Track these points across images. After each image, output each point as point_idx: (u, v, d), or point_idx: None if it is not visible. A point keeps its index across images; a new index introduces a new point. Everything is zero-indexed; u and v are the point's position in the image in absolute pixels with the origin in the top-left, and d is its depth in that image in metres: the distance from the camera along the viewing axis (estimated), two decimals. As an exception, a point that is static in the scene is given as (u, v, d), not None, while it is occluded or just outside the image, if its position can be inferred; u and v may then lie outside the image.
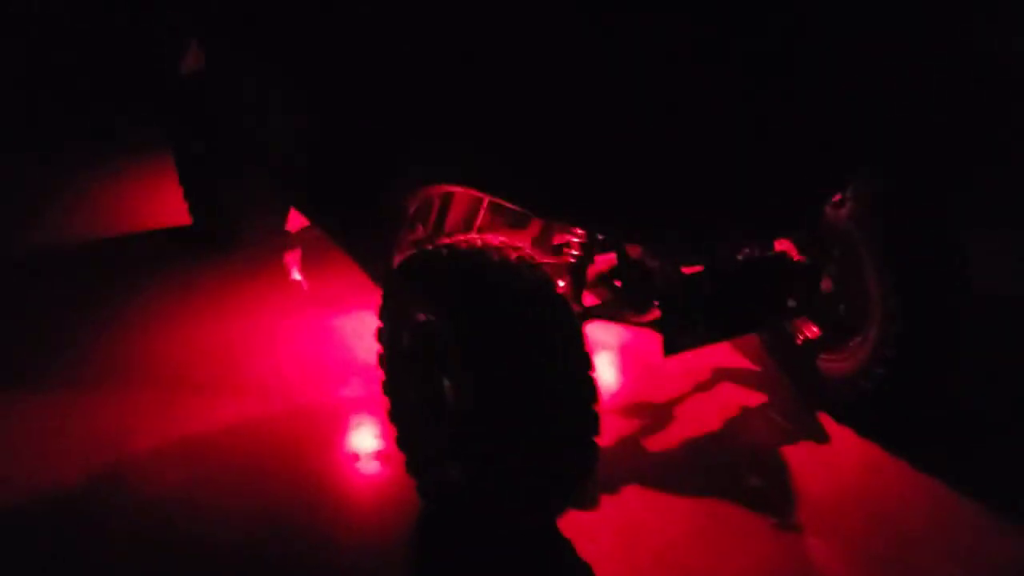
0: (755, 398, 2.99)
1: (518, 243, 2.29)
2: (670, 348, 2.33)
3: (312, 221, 3.39)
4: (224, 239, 4.03)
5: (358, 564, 2.33)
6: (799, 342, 2.98)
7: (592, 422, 2.13)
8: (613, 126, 2.00)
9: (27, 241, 4.31)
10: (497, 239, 2.30)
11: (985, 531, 2.41)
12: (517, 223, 2.78)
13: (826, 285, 2.80)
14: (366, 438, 2.82)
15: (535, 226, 2.76)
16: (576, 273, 2.53)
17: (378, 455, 2.73)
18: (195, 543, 2.39)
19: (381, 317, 2.48)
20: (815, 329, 2.95)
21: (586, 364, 2.11)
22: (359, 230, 2.79)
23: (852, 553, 2.33)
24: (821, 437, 2.81)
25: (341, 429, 2.89)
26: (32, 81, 6.22)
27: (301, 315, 3.55)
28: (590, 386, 2.11)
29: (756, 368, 3.16)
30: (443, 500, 2.42)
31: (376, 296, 2.46)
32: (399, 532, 2.46)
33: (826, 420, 2.87)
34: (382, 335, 2.49)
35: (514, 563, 2.31)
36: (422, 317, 2.30)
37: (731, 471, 2.66)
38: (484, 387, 2.09)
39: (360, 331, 3.41)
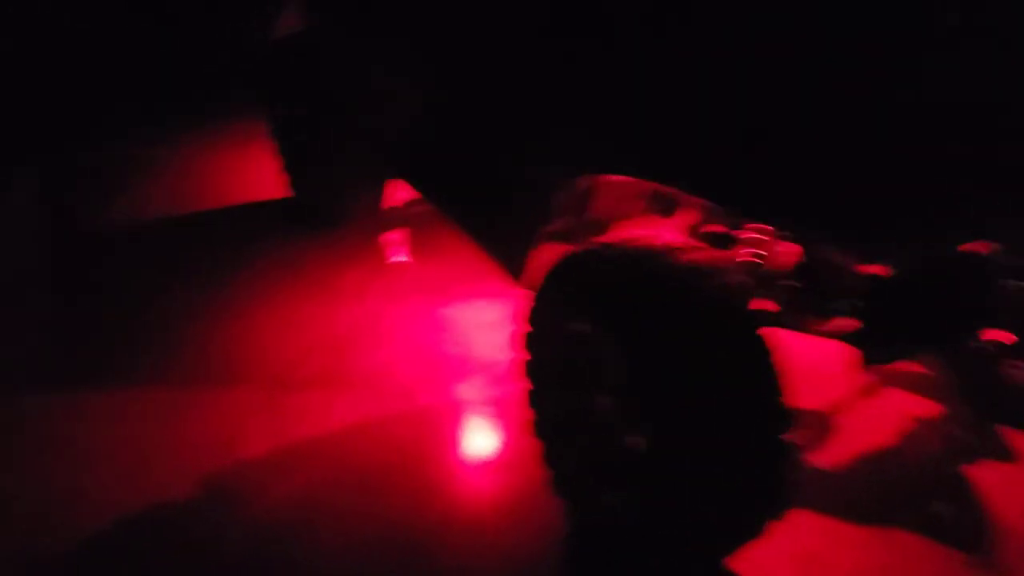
0: (930, 408, 2.65)
1: (696, 243, 1.98)
2: (872, 359, 2.00)
3: (432, 203, 3.10)
4: (329, 214, 3.75)
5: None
6: (986, 347, 2.62)
7: (783, 453, 1.83)
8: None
9: (111, 221, 4.06)
10: (671, 237, 2.00)
11: None
12: (664, 210, 2.47)
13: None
14: (495, 445, 2.57)
15: (683, 215, 2.44)
16: (753, 274, 2.21)
17: (511, 464, 2.47)
18: (314, 565, 2.15)
19: (530, 322, 2.20)
20: (1010, 335, 2.58)
21: (777, 389, 1.80)
22: (495, 221, 2.50)
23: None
24: (1010, 456, 2.47)
25: (466, 434, 2.63)
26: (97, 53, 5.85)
27: (410, 302, 3.29)
28: (782, 413, 1.81)
29: (927, 373, 2.80)
30: (597, 526, 2.14)
31: (489, 282, 2.18)
32: (541, 558, 2.20)
33: (1015, 436, 2.52)
34: (530, 341, 2.21)
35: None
36: (582, 327, 2.02)
37: (911, 494, 2.34)
38: (656, 414, 1.81)
39: (476, 322, 3.14)
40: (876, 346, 2.02)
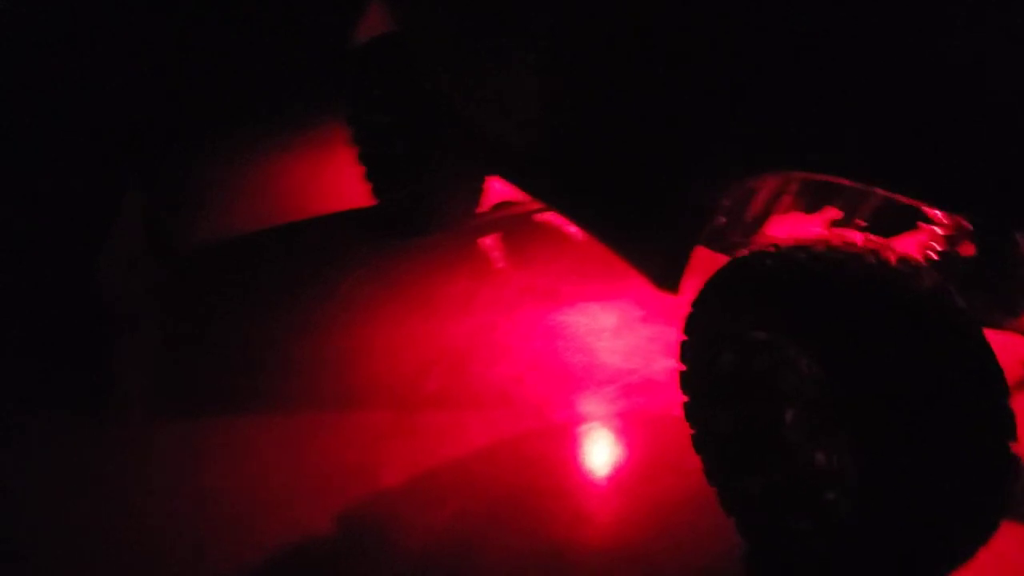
0: None
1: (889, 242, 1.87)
2: None
3: (556, 209, 2.98)
4: (420, 223, 3.64)
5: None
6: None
7: (1011, 464, 1.71)
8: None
9: (196, 239, 3.93)
10: (845, 235, 1.89)
11: None
12: (810, 207, 2.35)
13: None
14: (648, 460, 2.46)
15: (831, 210, 2.33)
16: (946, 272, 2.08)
17: (668, 479, 2.36)
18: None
19: (687, 330, 2.10)
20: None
21: (1005, 392, 1.69)
22: (637, 222, 2.38)
23: None
24: None
25: (613, 449, 2.53)
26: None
27: (520, 310, 3.18)
28: (1009, 419, 1.69)
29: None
30: (777, 549, 2.04)
31: (600, 285, 2.27)
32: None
33: None
34: (687, 351, 2.11)
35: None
36: (759, 335, 1.91)
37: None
38: (855, 426, 1.70)
39: (594, 329, 3.04)
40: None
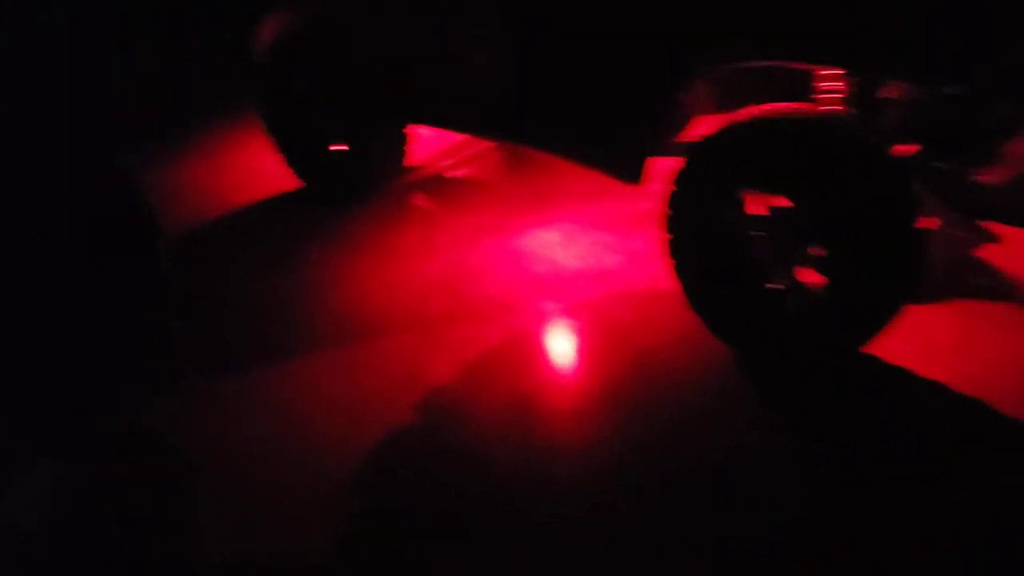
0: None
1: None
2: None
3: (516, 141, 3.55)
4: (357, 187, 4.12)
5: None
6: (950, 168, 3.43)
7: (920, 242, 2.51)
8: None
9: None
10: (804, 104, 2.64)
11: None
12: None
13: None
14: (623, 323, 3.13)
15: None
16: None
17: (642, 334, 3.04)
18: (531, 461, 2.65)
19: (670, 202, 2.77)
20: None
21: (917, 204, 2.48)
22: (610, 129, 2.99)
23: None
24: (998, 237, 3.30)
25: (596, 320, 3.17)
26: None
27: (479, 244, 3.72)
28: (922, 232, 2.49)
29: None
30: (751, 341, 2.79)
31: (535, 216, 3.39)
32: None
33: (990, 225, 3.36)
34: (675, 215, 2.77)
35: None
36: (743, 188, 2.61)
37: (954, 270, 3.13)
38: (843, 230, 2.45)
39: (546, 245, 3.68)
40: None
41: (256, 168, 4.58)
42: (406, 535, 2.40)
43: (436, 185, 4.36)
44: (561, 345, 3.11)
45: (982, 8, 2.61)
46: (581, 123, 3.08)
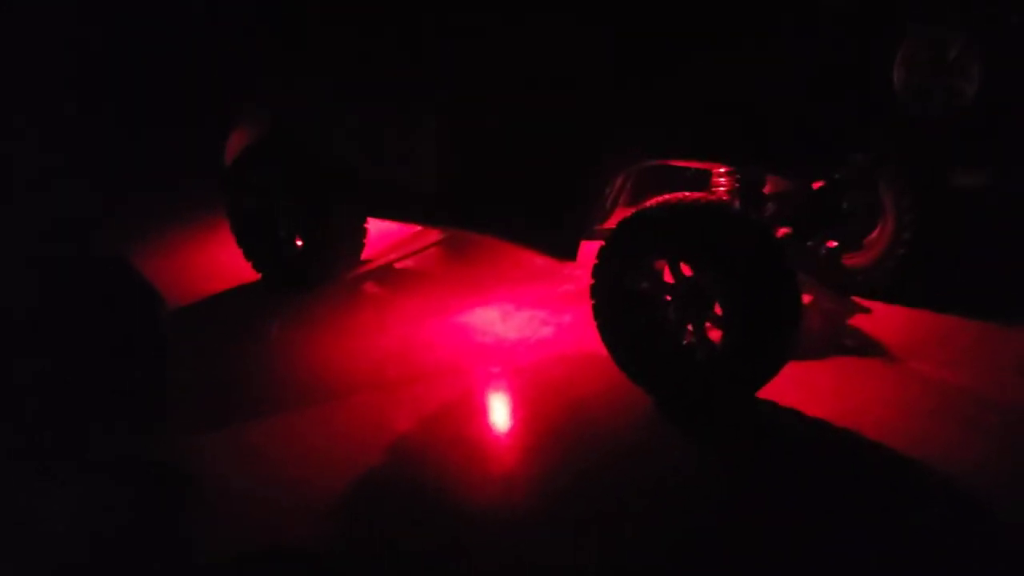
0: (806, 297, 4.12)
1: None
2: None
3: (463, 228, 4.10)
4: (315, 276, 4.60)
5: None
6: (823, 253, 4.13)
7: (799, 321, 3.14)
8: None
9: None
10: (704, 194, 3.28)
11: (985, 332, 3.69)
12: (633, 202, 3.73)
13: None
14: (561, 378, 3.64)
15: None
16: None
17: (581, 383, 3.56)
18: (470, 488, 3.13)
19: (597, 273, 3.34)
20: (832, 242, 4.11)
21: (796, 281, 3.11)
22: (549, 216, 3.57)
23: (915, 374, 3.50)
24: (864, 308, 3.99)
25: (537, 378, 3.68)
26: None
27: (427, 321, 4.23)
28: (799, 292, 3.12)
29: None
30: (666, 384, 3.34)
31: (475, 297, 4.03)
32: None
33: (859, 300, 4.05)
34: (601, 283, 3.34)
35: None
36: (656, 259, 3.21)
37: (829, 333, 3.77)
38: (733, 292, 3.05)
39: (487, 321, 4.20)
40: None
41: (220, 261, 5.04)
42: (374, 561, 2.75)
43: (385, 274, 4.89)
44: (505, 399, 3.61)
45: (833, 124, 3.36)
46: (526, 211, 3.66)
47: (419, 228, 5.26)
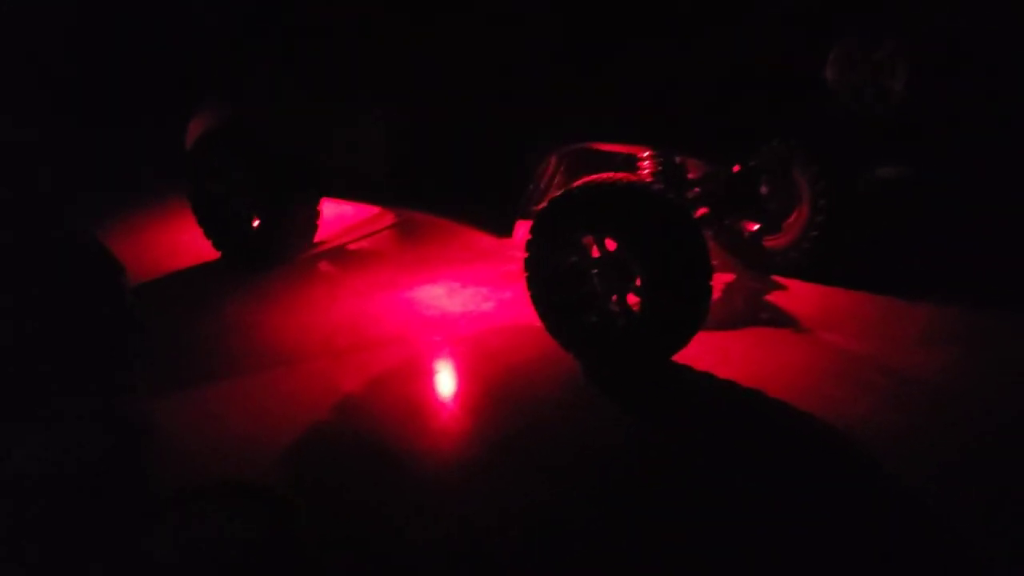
0: (731, 276, 4.44)
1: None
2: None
3: (410, 208, 4.38)
4: (272, 254, 4.86)
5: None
6: (745, 236, 4.46)
7: (706, 296, 3.44)
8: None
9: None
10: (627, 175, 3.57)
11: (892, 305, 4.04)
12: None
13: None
14: (500, 346, 3.93)
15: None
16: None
17: (518, 351, 3.85)
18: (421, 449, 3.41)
19: (530, 248, 3.63)
20: (753, 225, 4.44)
21: (707, 253, 3.41)
22: (487, 195, 3.85)
23: (825, 347, 3.83)
24: (782, 286, 4.31)
25: (478, 346, 3.96)
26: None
27: (376, 296, 4.51)
28: (709, 264, 3.42)
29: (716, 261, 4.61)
30: (589, 347, 3.64)
31: (422, 275, 4.35)
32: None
33: (777, 279, 4.38)
34: (534, 258, 3.63)
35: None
36: (583, 235, 3.51)
37: (748, 308, 4.09)
38: (649, 264, 3.34)
39: (433, 296, 4.48)
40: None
41: (181, 241, 5.28)
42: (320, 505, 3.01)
43: (338, 255, 5.16)
44: (448, 364, 3.88)
45: (749, 113, 3.68)
46: (466, 192, 3.95)
47: (371, 212, 5.53)
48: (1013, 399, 3.28)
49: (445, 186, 4.00)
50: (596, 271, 3.57)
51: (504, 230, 3.84)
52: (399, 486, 3.04)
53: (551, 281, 3.64)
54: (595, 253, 3.56)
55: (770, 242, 4.43)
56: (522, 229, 3.82)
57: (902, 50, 4.25)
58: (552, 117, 3.57)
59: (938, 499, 2.78)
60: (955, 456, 2.98)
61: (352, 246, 5.29)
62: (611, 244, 3.51)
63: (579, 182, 3.51)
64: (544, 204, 3.62)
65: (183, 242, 5.33)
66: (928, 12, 4.31)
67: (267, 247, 4.84)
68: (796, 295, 4.23)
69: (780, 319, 4.02)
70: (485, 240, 4.33)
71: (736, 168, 3.90)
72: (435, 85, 3.89)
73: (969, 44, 4.39)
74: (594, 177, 3.49)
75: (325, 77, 4.38)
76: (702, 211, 3.82)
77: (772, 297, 4.22)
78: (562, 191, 3.54)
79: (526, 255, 3.67)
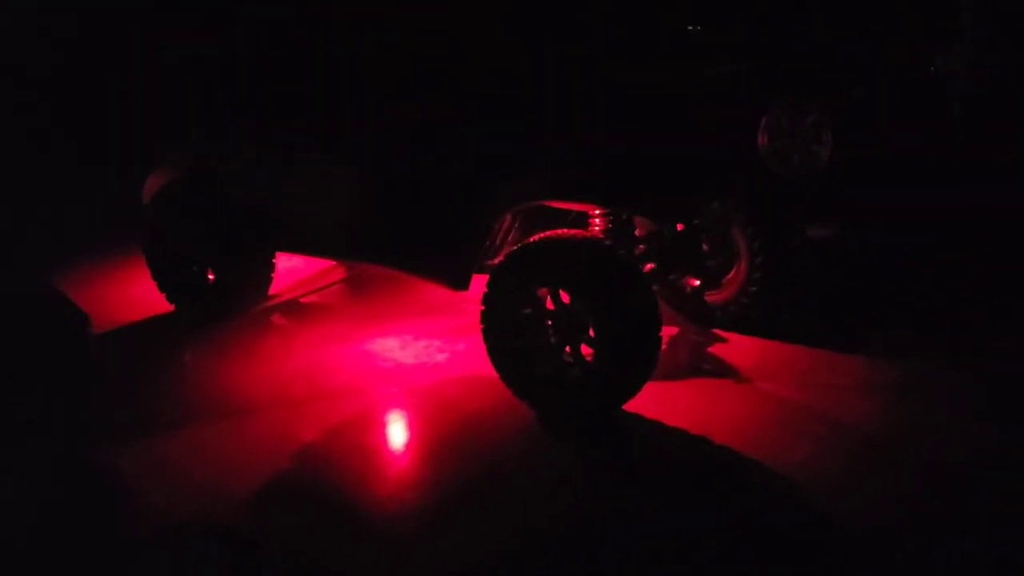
0: (674, 329, 4.64)
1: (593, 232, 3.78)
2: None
3: (366, 261, 4.48)
4: (227, 307, 4.91)
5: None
6: (687, 291, 4.68)
7: (655, 345, 3.62)
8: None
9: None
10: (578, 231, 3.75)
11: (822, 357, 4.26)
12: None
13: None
14: (453, 396, 4.04)
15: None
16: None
17: (471, 401, 3.96)
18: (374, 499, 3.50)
19: (486, 300, 3.77)
20: (695, 281, 4.66)
21: (656, 305, 3.59)
22: (444, 249, 3.99)
23: (768, 396, 4.04)
24: (723, 338, 4.52)
25: (432, 396, 4.07)
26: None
27: (331, 347, 4.60)
28: (658, 316, 3.60)
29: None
30: (544, 398, 3.77)
31: (375, 328, 4.44)
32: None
33: (718, 331, 4.59)
34: (490, 309, 3.77)
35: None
36: (537, 288, 3.66)
37: (692, 359, 4.27)
38: (602, 316, 3.51)
39: (387, 348, 4.58)
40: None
41: (133, 294, 5.32)
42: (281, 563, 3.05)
43: (292, 307, 5.24)
44: (402, 414, 3.98)
45: (692, 176, 3.91)
46: (424, 246, 4.08)
47: (322, 266, 5.63)
48: (944, 446, 3.49)
49: (405, 240, 4.13)
50: (551, 322, 3.72)
51: (461, 283, 3.97)
52: (357, 535, 3.11)
53: (507, 332, 3.78)
54: (550, 305, 3.72)
55: (711, 297, 4.64)
56: (476, 282, 3.98)
57: (826, 119, 4.55)
58: (507, 177, 3.74)
59: (872, 543, 2.95)
60: (890, 502, 3.16)
61: (305, 299, 5.38)
62: (565, 297, 3.67)
63: (535, 237, 3.67)
64: (501, 258, 3.78)
65: (135, 294, 5.35)
66: (848, 85, 4.63)
67: (221, 300, 4.90)
68: (736, 347, 4.44)
69: (722, 370, 4.21)
70: (436, 293, 4.48)
71: (680, 227, 4.12)
72: (395, 144, 4.05)
73: (885, 114, 4.74)
74: (549, 233, 3.66)
75: (281, 132, 4.51)
76: (649, 266, 4.02)
77: (714, 349, 4.42)
78: (519, 246, 3.70)
79: (483, 307, 3.81)
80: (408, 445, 3.74)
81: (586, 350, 3.67)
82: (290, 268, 5.63)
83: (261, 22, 4.48)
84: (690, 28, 4.21)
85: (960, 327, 4.56)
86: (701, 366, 4.27)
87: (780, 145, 4.51)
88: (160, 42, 4.99)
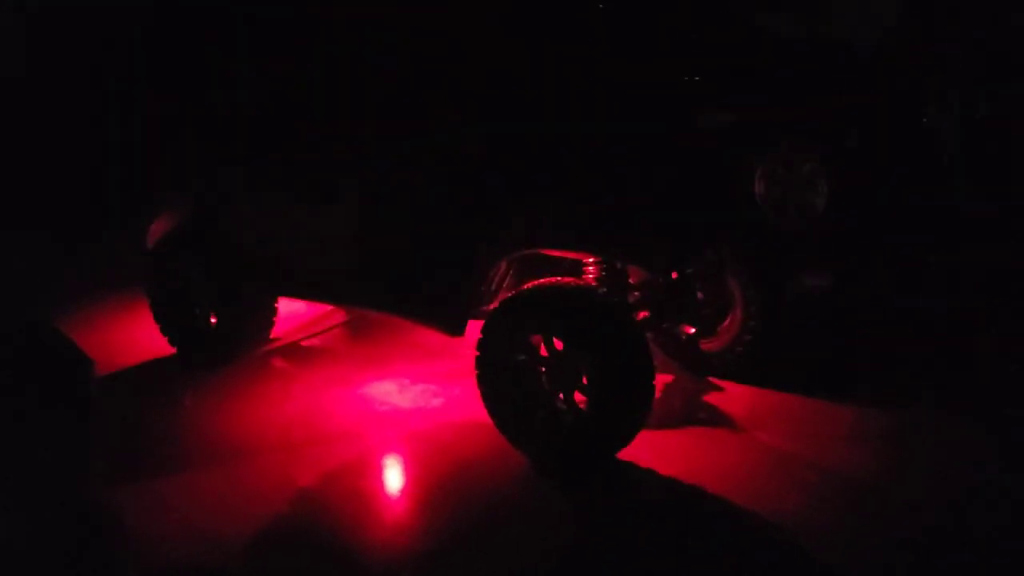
0: (669, 377, 4.68)
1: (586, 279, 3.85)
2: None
3: (364, 306, 4.55)
4: (227, 353, 4.97)
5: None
6: (682, 339, 4.72)
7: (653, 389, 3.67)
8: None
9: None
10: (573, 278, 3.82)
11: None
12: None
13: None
14: (448, 440, 4.08)
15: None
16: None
17: (463, 445, 4.00)
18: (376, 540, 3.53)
19: (485, 332, 3.81)
20: (689, 328, 4.71)
21: (650, 353, 3.65)
22: (440, 295, 4.06)
23: (759, 445, 4.08)
24: (718, 387, 4.56)
25: (429, 441, 4.11)
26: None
27: (330, 391, 4.65)
28: (652, 364, 3.66)
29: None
30: (538, 445, 3.80)
31: (373, 372, 4.51)
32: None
33: (713, 380, 4.63)
34: (485, 356, 3.82)
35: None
36: (531, 334, 3.72)
37: (686, 408, 4.31)
38: (596, 363, 3.56)
39: (385, 393, 4.63)
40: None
41: (135, 338, 5.41)
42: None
43: (292, 351, 5.30)
44: (399, 459, 4.02)
45: (685, 225, 3.98)
46: (421, 292, 4.15)
47: (323, 310, 5.69)
48: (935, 494, 3.51)
49: (402, 285, 4.20)
50: (545, 369, 3.77)
51: (457, 329, 4.03)
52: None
53: (501, 378, 3.83)
54: (544, 352, 3.77)
55: (706, 345, 4.69)
56: (471, 328, 4.03)
57: (822, 168, 4.63)
58: (505, 226, 3.81)
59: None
60: (881, 549, 3.18)
61: (306, 343, 5.44)
62: (559, 344, 3.73)
63: (529, 284, 3.74)
64: (496, 305, 3.84)
65: (138, 337, 5.42)
66: (842, 135, 4.72)
67: (222, 344, 4.96)
68: (730, 396, 4.47)
69: (716, 419, 4.25)
70: (433, 338, 4.52)
71: (674, 275, 4.19)
72: (392, 191, 4.13)
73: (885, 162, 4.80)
74: (543, 280, 3.73)
75: (280, 178, 4.60)
76: (643, 315, 4.08)
77: (708, 397, 4.46)
78: (514, 293, 3.76)
79: (477, 353, 3.86)
80: (404, 490, 3.77)
81: (580, 398, 3.72)
82: (291, 312, 5.69)
83: (259, 75, 4.59)
84: (686, 79, 4.33)
85: (951, 376, 4.60)
86: (695, 415, 4.31)
87: (776, 194, 4.58)
88: (160, 95, 5.12)
